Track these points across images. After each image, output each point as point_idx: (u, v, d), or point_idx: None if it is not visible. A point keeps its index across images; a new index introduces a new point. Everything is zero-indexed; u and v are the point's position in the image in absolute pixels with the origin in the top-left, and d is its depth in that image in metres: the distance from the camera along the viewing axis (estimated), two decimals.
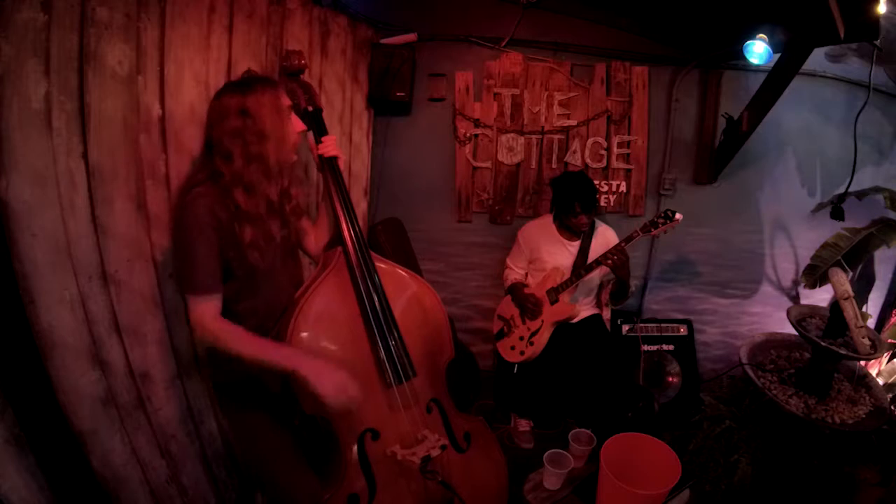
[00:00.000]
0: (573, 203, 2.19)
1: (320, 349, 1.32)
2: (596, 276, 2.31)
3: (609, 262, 2.09)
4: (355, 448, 1.37)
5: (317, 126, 1.45)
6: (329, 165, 1.43)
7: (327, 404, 1.19)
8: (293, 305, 1.33)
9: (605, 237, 2.33)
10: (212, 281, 1.22)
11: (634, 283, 2.40)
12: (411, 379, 1.41)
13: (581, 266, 2.24)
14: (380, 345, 1.35)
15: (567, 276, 2.25)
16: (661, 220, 2.05)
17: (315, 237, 1.54)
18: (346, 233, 1.38)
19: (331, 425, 1.35)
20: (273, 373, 1.23)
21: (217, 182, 1.23)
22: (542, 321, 2.26)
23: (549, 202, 2.60)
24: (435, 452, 1.37)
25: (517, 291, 2.35)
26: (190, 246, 1.20)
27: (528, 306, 2.27)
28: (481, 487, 1.56)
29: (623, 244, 2.10)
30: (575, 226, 2.25)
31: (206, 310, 1.22)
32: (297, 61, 1.44)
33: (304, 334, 1.30)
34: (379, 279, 1.39)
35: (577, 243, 2.33)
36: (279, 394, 1.32)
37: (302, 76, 1.47)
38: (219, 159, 1.23)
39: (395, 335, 1.38)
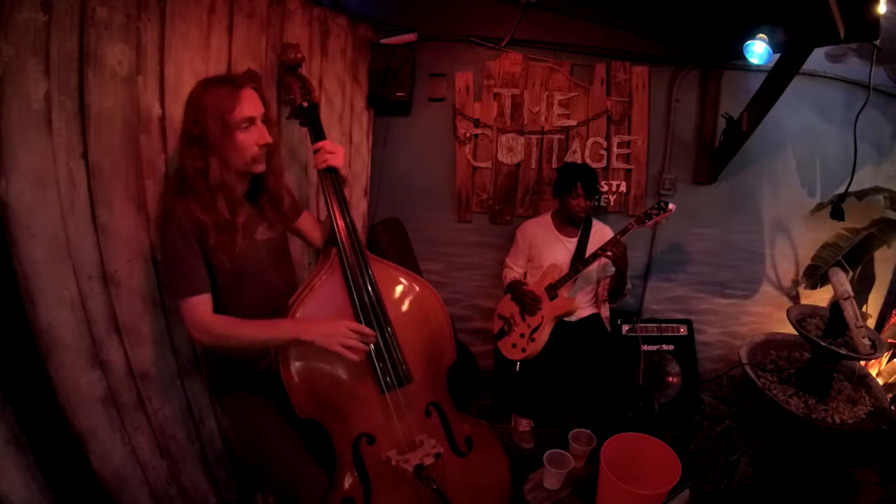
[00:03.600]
0: (576, 183, 2.24)
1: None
2: (594, 270, 2.32)
3: (608, 253, 2.11)
4: (350, 452, 1.36)
5: (312, 123, 1.43)
6: (327, 173, 1.39)
7: (318, 346, 1.23)
8: (287, 310, 1.32)
9: (601, 233, 2.36)
10: (201, 281, 1.24)
11: (632, 281, 2.41)
12: (405, 385, 1.39)
13: (579, 261, 2.25)
14: (372, 352, 1.33)
15: (565, 271, 2.26)
16: (654, 211, 2.09)
17: (322, 234, 1.56)
18: (341, 233, 1.36)
19: (326, 429, 1.35)
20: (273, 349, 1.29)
21: (182, 187, 1.24)
22: (543, 317, 2.26)
23: (549, 202, 2.62)
24: (428, 461, 1.36)
25: (516, 287, 2.36)
26: (175, 251, 1.21)
27: (528, 301, 2.28)
28: (482, 490, 1.55)
29: (619, 236, 2.12)
30: (574, 210, 2.27)
31: (202, 308, 1.23)
32: (293, 55, 1.44)
33: None
34: (374, 281, 1.37)
35: (574, 240, 2.35)
36: (279, 384, 1.31)
37: (300, 70, 1.46)
38: (179, 161, 1.25)
39: (390, 341, 1.36)
